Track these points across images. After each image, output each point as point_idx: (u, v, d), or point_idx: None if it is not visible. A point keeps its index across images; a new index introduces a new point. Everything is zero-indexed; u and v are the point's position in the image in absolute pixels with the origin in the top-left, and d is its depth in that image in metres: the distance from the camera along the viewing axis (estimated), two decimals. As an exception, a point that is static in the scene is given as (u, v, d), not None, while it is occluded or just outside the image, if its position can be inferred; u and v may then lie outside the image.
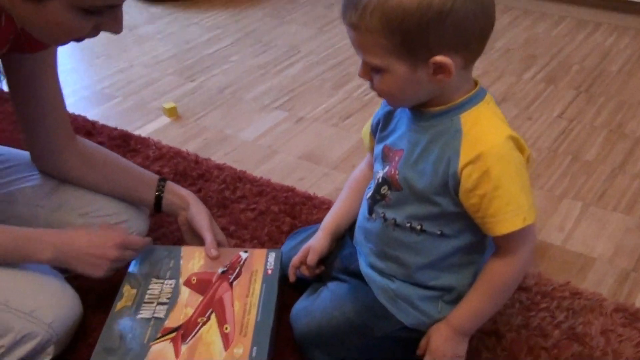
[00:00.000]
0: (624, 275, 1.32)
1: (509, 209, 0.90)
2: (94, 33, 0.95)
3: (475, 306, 1.00)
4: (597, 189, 1.57)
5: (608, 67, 2.16)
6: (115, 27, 0.96)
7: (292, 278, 1.18)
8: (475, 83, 0.96)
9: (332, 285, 1.14)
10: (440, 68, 0.87)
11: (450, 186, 0.93)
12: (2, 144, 1.36)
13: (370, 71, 0.92)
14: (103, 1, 0.90)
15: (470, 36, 0.87)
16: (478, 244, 1.01)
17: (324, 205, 1.49)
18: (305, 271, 1.17)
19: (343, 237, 1.19)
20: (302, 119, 1.89)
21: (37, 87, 1.17)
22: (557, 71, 2.14)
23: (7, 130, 1.73)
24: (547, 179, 1.61)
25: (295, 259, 1.17)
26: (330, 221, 1.18)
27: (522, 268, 0.98)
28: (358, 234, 1.11)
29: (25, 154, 1.28)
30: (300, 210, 1.48)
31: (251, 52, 2.31)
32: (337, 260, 1.17)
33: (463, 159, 0.91)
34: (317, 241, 1.16)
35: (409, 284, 1.04)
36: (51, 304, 1.07)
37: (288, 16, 2.56)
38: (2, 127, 1.76)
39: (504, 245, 0.96)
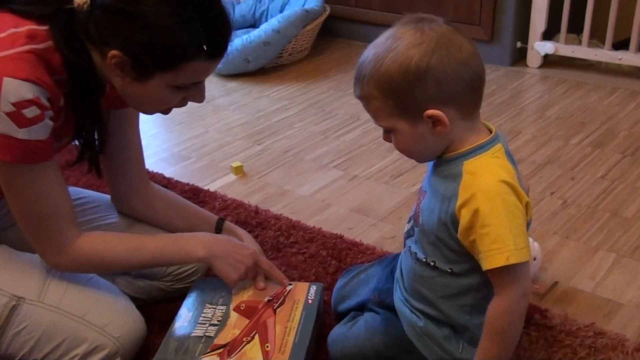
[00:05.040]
0: (651, 319, 1.37)
1: (493, 246, 0.98)
2: (182, 103, 1.18)
3: (486, 349, 1.05)
4: (633, 243, 1.63)
5: (656, 133, 2.23)
6: (199, 97, 1.18)
7: None
8: (490, 131, 1.09)
9: (367, 315, 1.25)
10: (437, 121, 1.00)
11: (450, 225, 1.04)
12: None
13: (386, 134, 1.07)
14: (191, 79, 1.12)
15: (456, 88, 0.99)
16: (488, 284, 1.05)
17: (368, 251, 1.62)
18: None
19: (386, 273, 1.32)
20: (356, 177, 2.05)
21: (121, 137, 1.37)
22: (604, 137, 2.22)
23: (97, 184, 1.97)
24: (584, 232, 1.69)
25: None
26: None
27: (515, 306, 1.01)
28: (398, 269, 1.23)
29: (106, 196, 1.49)
30: (347, 254, 1.62)
31: (314, 119, 2.51)
32: (376, 293, 1.29)
33: (460, 200, 1.01)
34: None
35: (434, 324, 1.13)
36: (120, 321, 1.23)
37: (351, 89, 2.75)
38: (93, 182, 2.00)
39: (495, 282, 1.02)
